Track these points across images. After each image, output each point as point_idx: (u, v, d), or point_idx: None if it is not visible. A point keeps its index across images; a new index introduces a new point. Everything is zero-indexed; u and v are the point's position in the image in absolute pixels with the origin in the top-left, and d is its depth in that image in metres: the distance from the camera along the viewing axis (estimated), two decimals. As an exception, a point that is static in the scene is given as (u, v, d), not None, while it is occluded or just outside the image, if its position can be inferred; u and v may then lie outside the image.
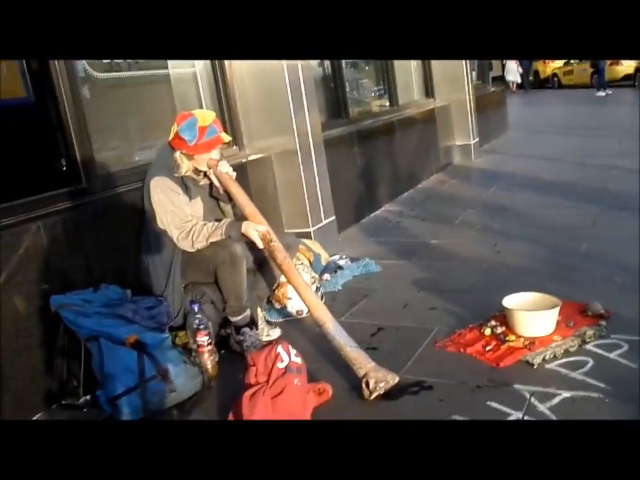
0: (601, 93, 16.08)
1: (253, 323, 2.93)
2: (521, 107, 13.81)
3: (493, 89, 10.33)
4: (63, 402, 2.61)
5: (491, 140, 9.25)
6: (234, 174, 2.99)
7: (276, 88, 4.12)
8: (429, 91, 7.67)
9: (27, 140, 2.99)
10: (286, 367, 2.20)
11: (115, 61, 3.46)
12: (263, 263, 3.16)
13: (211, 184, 3.03)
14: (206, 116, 2.92)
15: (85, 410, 2.56)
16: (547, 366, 2.46)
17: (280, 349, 2.23)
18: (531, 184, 6.02)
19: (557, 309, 2.70)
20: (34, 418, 2.55)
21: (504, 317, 2.81)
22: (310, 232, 4.24)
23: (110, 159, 3.42)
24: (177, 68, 3.99)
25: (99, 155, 3.23)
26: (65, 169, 3.04)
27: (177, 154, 2.89)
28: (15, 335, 2.52)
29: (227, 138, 2.99)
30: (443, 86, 7.70)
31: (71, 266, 2.81)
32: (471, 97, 7.91)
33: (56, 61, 2.90)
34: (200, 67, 4.12)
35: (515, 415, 2.13)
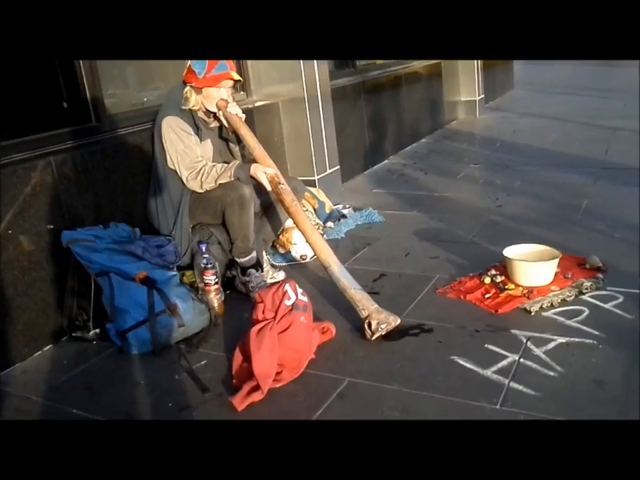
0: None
1: (258, 265, 2.99)
2: (528, 65, 13.61)
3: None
4: (73, 335, 2.68)
5: (496, 97, 9.20)
6: (243, 116, 3.02)
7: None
8: (436, 45, 7.57)
9: (38, 77, 2.99)
10: (293, 304, 2.27)
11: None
12: (269, 208, 3.22)
13: (221, 126, 3.05)
14: None
15: (94, 342, 2.64)
16: (544, 314, 2.53)
17: (287, 287, 2.30)
18: (534, 142, 6.03)
19: (556, 261, 2.76)
20: (44, 349, 2.63)
21: (504, 267, 2.87)
22: (314, 180, 4.28)
23: (119, 99, 3.43)
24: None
25: (108, 95, 3.23)
26: (74, 107, 3.04)
27: (187, 88, 2.93)
28: (27, 268, 2.58)
29: (236, 76, 2.99)
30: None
31: (80, 203, 2.85)
32: (479, 52, 7.82)
33: None
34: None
35: (512, 357, 2.21)
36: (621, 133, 6.13)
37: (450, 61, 7.51)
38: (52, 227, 2.67)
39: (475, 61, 7.78)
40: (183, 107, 2.91)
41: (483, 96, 8.06)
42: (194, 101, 2.92)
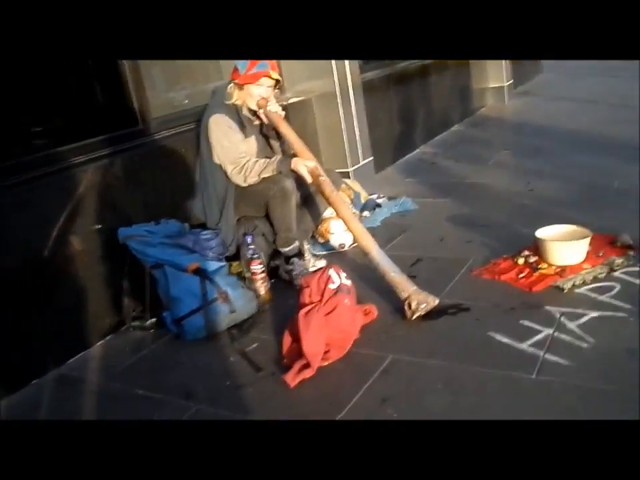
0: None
1: (300, 254, 3.16)
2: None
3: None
4: (132, 324, 2.88)
5: (525, 82, 9.18)
6: (283, 113, 3.19)
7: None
8: (463, 33, 7.63)
9: (88, 86, 3.19)
10: (337, 287, 2.42)
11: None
12: (308, 200, 3.38)
13: (261, 123, 3.22)
14: None
15: (151, 331, 2.84)
16: (577, 290, 2.64)
17: (331, 271, 2.45)
18: (564, 126, 6.05)
19: (587, 240, 2.86)
20: (107, 338, 2.84)
21: (536, 248, 2.98)
22: (349, 172, 4.43)
23: (162, 103, 3.62)
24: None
25: (153, 100, 3.42)
26: (122, 112, 3.24)
27: (231, 84, 3.13)
28: (87, 264, 2.78)
29: (275, 75, 3.15)
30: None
31: (130, 203, 3.04)
32: (506, 38, 7.85)
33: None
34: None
35: (546, 331, 2.33)
36: (653, 113, 6.13)
37: (477, 49, 7.54)
38: (100, 226, 2.86)
39: (503, 47, 7.80)
40: (226, 102, 3.09)
41: (511, 81, 8.08)
42: (236, 96, 3.12)
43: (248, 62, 3.05)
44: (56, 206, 2.68)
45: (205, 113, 3.15)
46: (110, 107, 3.24)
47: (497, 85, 7.95)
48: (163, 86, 3.80)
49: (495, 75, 7.93)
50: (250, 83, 3.09)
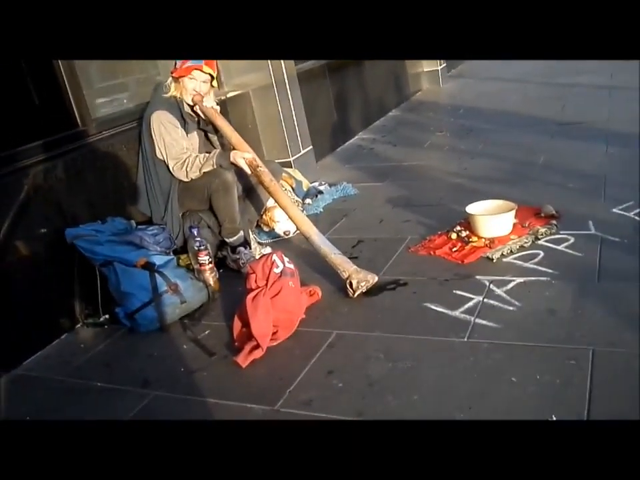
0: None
1: (246, 243, 3.28)
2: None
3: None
4: (86, 321, 2.96)
5: (458, 64, 9.47)
6: (218, 107, 3.30)
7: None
8: (395, 20, 7.82)
9: (25, 90, 3.21)
10: (281, 271, 2.56)
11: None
12: (250, 191, 3.50)
13: (199, 119, 3.32)
14: None
15: (105, 327, 2.92)
16: (505, 260, 2.85)
17: (275, 257, 2.59)
18: (494, 106, 6.33)
19: (513, 212, 3.08)
20: (62, 337, 2.90)
21: (468, 223, 3.18)
22: (290, 161, 4.55)
23: (101, 103, 3.66)
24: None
25: (91, 100, 3.46)
26: (61, 114, 3.28)
27: (169, 78, 3.25)
28: (36, 266, 2.83)
29: (207, 69, 3.25)
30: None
31: (75, 203, 3.09)
32: (437, 22, 8.07)
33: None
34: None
35: (477, 299, 2.53)
36: (577, 89, 6.47)
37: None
38: (46, 229, 2.90)
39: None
40: (163, 95, 3.19)
41: (444, 65, 8.33)
42: (173, 88, 3.24)
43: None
44: (0, 211, 2.72)
45: (147, 109, 3.24)
46: (48, 110, 3.27)
47: (431, 69, 8.20)
48: (101, 84, 3.83)
49: (429, 59, 8.16)
50: (184, 76, 3.20)
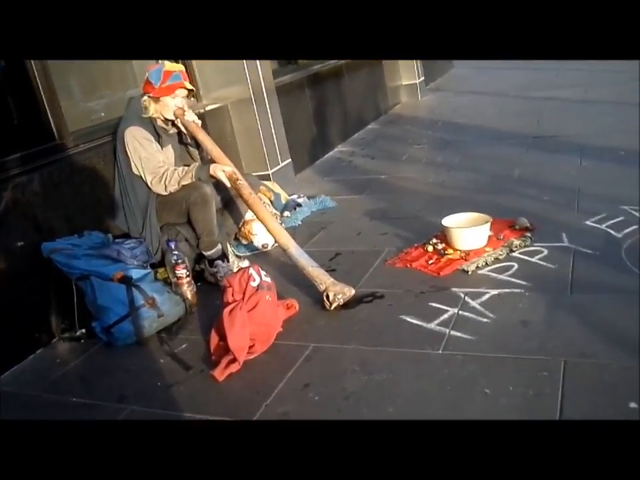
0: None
1: (224, 256, 3.28)
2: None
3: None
4: (62, 336, 2.94)
5: (436, 78, 9.58)
6: (199, 122, 3.31)
7: (227, 40, 4.36)
8: (373, 34, 7.90)
9: (1, 103, 3.20)
10: (258, 285, 2.57)
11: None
12: (229, 203, 3.51)
13: (179, 132, 3.33)
14: (175, 65, 3.25)
15: (82, 341, 2.90)
16: (480, 272, 2.88)
17: (251, 270, 2.60)
18: (472, 119, 6.41)
19: (488, 225, 3.12)
20: (37, 352, 2.88)
21: (444, 235, 3.22)
22: (269, 174, 4.57)
23: (78, 116, 3.66)
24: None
25: (68, 114, 3.45)
26: (37, 128, 3.27)
27: (145, 97, 3.22)
28: (11, 280, 2.81)
29: (189, 85, 3.28)
30: (388, 27, 7.94)
31: (52, 217, 3.08)
32: (415, 36, 8.17)
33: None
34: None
35: (452, 311, 2.55)
36: (552, 102, 6.57)
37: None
38: (22, 243, 2.88)
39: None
40: (143, 115, 3.18)
41: (423, 78, 8.42)
42: (152, 109, 3.21)
43: (160, 75, 3.15)
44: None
45: (120, 125, 3.23)
46: (25, 123, 3.27)
47: (409, 82, 8.28)
48: (79, 96, 3.83)
49: (407, 73, 8.26)
50: (166, 95, 3.20)
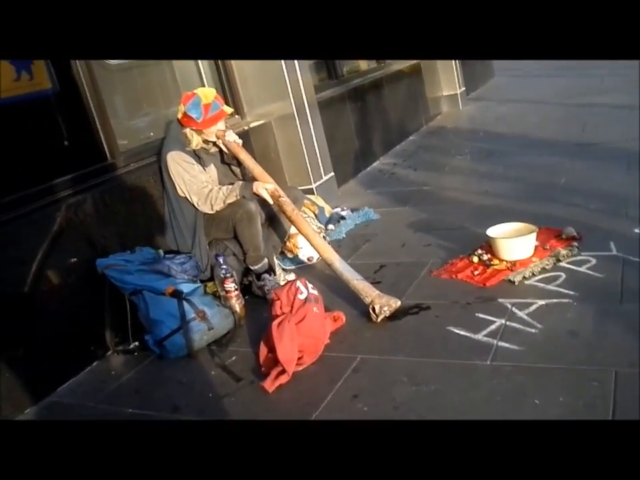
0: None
1: (271, 270, 3.35)
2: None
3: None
4: (116, 349, 3.03)
5: (477, 87, 9.55)
6: (240, 141, 3.40)
7: (270, 57, 4.47)
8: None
9: (56, 126, 3.34)
10: (305, 298, 2.62)
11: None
12: (273, 219, 3.58)
13: (221, 151, 3.42)
14: (207, 93, 3.32)
15: (135, 353, 2.99)
16: (526, 282, 2.87)
17: (299, 283, 2.65)
18: (514, 127, 6.37)
19: (534, 235, 3.10)
20: (93, 364, 2.98)
21: (489, 246, 3.21)
22: (312, 188, 4.64)
23: (127, 135, 3.79)
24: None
25: (118, 133, 3.59)
26: (91, 148, 3.40)
27: (187, 130, 3.31)
28: (69, 296, 2.93)
29: (229, 110, 3.39)
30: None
31: (105, 234, 3.19)
32: (455, 47, 8.17)
33: (74, 53, 3.24)
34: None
35: (499, 322, 2.55)
36: (597, 109, 6.48)
37: (428, 59, 7.87)
38: (76, 259, 3.00)
39: (453, 56, 8.14)
40: (187, 149, 3.28)
41: (464, 88, 8.41)
42: (196, 141, 3.32)
43: (201, 109, 3.23)
44: (33, 244, 2.82)
45: (162, 150, 3.35)
46: (78, 143, 3.39)
47: (450, 93, 8.28)
48: (127, 116, 3.97)
49: (448, 83, 8.26)
50: (210, 127, 3.30)
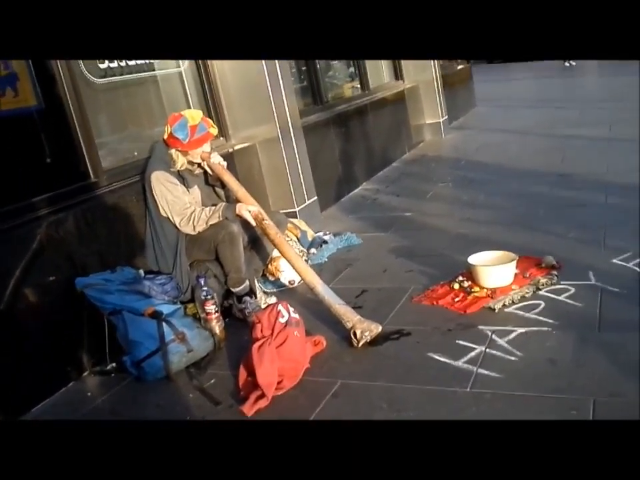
0: (570, 63, 16.55)
1: (252, 293, 3.33)
2: (488, 83, 14.18)
3: (460, 67, 10.70)
4: (93, 370, 2.99)
5: (459, 116, 9.67)
6: (225, 163, 3.41)
7: (256, 80, 4.50)
8: (397, 73, 8.07)
9: (40, 143, 3.32)
10: (286, 321, 2.61)
11: (110, 65, 3.80)
12: (256, 241, 3.58)
13: (205, 172, 3.43)
14: (195, 115, 3.32)
15: (112, 375, 2.95)
16: (506, 310, 2.89)
17: (280, 307, 2.64)
18: (495, 157, 6.45)
19: (514, 263, 3.13)
20: (69, 385, 2.93)
21: (470, 273, 3.23)
22: (295, 211, 4.65)
23: (112, 155, 3.77)
24: (164, 69, 4.33)
25: (103, 153, 3.58)
26: (74, 166, 3.38)
27: (173, 151, 3.30)
28: (46, 314, 2.89)
29: (215, 132, 3.39)
30: (411, 67, 8.10)
31: (86, 253, 3.16)
32: (438, 76, 8.32)
33: (60, 69, 3.24)
34: (185, 65, 4.47)
35: (479, 348, 2.57)
36: (576, 141, 6.60)
37: (412, 87, 7.97)
38: (55, 277, 2.96)
39: (436, 84, 8.26)
40: (172, 169, 3.28)
41: (446, 117, 8.52)
42: (181, 162, 3.31)
43: (187, 130, 3.23)
44: (12, 261, 2.78)
45: (147, 170, 3.34)
46: (61, 161, 3.37)
47: (433, 121, 8.38)
48: (112, 135, 3.95)
49: (430, 112, 8.36)
50: (196, 149, 3.31)
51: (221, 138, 4.51)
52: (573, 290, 2.97)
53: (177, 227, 3.28)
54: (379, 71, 7.76)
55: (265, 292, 3.58)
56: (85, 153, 3.37)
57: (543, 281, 3.08)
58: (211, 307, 3.07)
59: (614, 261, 3.21)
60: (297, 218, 4.52)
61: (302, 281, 3.50)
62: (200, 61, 4.43)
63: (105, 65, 3.74)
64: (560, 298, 2.92)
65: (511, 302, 2.95)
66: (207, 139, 3.33)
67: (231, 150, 4.42)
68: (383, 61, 7.88)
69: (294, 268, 3.15)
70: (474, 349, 2.58)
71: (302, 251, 3.97)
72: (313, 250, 4.16)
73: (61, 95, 3.27)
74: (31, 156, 3.24)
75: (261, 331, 2.60)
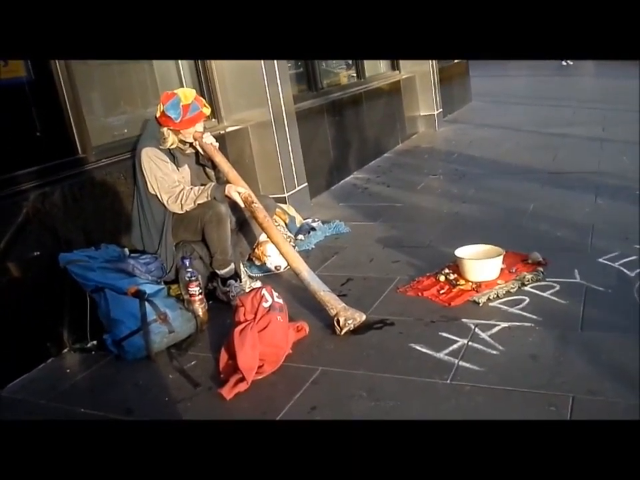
0: (568, 62, 16.54)
1: (237, 276, 3.32)
2: (485, 78, 14.14)
3: (456, 60, 10.65)
4: (73, 347, 2.97)
5: (454, 110, 9.65)
6: (217, 144, 3.37)
7: (251, 63, 4.45)
8: (394, 64, 8.03)
9: (28, 115, 3.28)
10: (270, 306, 2.59)
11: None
12: (244, 224, 3.55)
13: (197, 153, 3.39)
14: (188, 94, 3.28)
15: (93, 353, 2.92)
16: (491, 304, 2.89)
17: (264, 291, 2.62)
18: (488, 152, 6.45)
19: (501, 258, 3.13)
20: (48, 361, 2.91)
21: (456, 266, 3.23)
22: (285, 197, 4.62)
23: (101, 131, 3.73)
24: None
25: (92, 128, 3.53)
26: (62, 141, 3.34)
27: (164, 129, 3.26)
28: (28, 288, 2.85)
29: (207, 111, 3.35)
30: (408, 58, 8.07)
31: (71, 229, 3.13)
32: (435, 68, 8.28)
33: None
34: (179, 45, 4.41)
35: (461, 341, 2.56)
36: (569, 139, 6.60)
37: (408, 78, 7.94)
38: (39, 252, 2.92)
39: (432, 77, 8.23)
40: (161, 147, 3.24)
41: (441, 110, 8.49)
42: (172, 140, 3.27)
43: (179, 109, 3.19)
44: (-5, 233, 2.75)
45: (138, 146, 3.30)
46: (50, 135, 3.33)
47: (428, 113, 8.35)
48: (102, 112, 3.91)
49: (425, 104, 8.33)
50: (188, 128, 3.27)
51: (213, 119, 4.46)
52: (557, 287, 2.98)
53: (164, 205, 3.25)
54: (376, 60, 7.71)
55: (250, 276, 3.56)
56: (73, 128, 3.33)
57: (529, 276, 3.09)
58: (194, 289, 3.04)
59: (600, 260, 3.22)
60: (286, 203, 4.50)
61: (288, 267, 3.50)
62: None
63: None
64: (545, 294, 2.92)
65: (495, 296, 2.95)
66: (199, 119, 3.29)
67: (222, 132, 4.38)
68: (380, 50, 7.82)
69: (281, 253, 3.14)
70: (456, 341, 2.58)
71: (289, 236, 3.95)
72: (300, 236, 4.15)
73: (52, 68, 3.22)
74: (18, 127, 3.20)
75: (244, 314, 2.58)
